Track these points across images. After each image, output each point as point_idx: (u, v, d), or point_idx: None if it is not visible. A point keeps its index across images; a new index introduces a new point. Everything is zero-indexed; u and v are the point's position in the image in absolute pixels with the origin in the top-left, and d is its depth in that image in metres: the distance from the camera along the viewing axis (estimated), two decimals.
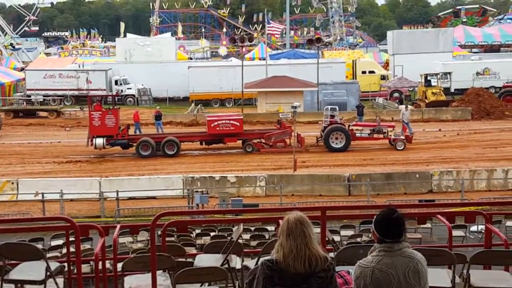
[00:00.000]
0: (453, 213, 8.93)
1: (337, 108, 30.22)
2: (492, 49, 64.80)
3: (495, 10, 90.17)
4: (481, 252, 6.45)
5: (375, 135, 28.16)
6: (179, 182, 21.54)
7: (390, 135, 28.04)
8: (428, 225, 15.08)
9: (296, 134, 27.89)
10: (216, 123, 27.79)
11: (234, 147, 28.89)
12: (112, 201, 19.98)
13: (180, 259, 7.29)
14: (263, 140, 28.28)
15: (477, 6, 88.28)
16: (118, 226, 7.46)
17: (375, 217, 3.81)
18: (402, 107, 30.87)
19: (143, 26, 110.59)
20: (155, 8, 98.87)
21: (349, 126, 28.42)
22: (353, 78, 47.31)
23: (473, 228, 14.57)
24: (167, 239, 9.79)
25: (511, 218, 15.59)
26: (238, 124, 28.00)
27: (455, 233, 13.53)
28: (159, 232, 7.81)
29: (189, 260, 7.27)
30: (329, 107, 29.82)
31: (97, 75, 46.80)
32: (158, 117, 32.34)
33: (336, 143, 27.65)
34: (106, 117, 27.53)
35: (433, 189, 21.52)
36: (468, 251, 7.79)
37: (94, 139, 27.32)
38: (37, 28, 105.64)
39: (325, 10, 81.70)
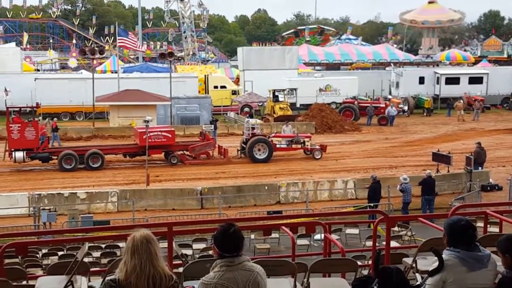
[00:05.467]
0: (296, 224, 9.54)
1: (257, 121, 30.69)
2: (333, 67, 69.12)
3: (333, 30, 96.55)
4: (319, 261, 6.88)
5: (294, 145, 29.45)
6: (25, 200, 20.31)
7: (307, 145, 29.41)
8: (276, 235, 15.82)
9: (218, 146, 29.16)
10: (148, 134, 26.98)
11: None
12: None
13: (22, 283, 6.96)
14: (187, 152, 28.25)
15: (316, 26, 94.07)
16: None
17: (215, 232, 4.00)
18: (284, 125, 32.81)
19: None
20: None
21: (269, 137, 29.36)
22: (205, 93, 47.97)
23: (317, 236, 15.38)
24: (9, 261, 9.26)
25: (351, 226, 16.87)
26: (170, 136, 27.74)
27: (300, 242, 14.30)
28: None
29: (31, 283, 6.95)
30: (250, 119, 30.61)
31: None
32: (55, 129, 32.40)
33: (260, 154, 28.49)
34: (26, 129, 26.39)
35: (281, 200, 22.20)
36: (312, 259, 8.27)
37: (13, 153, 26.08)
38: None
39: (178, 25, 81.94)
